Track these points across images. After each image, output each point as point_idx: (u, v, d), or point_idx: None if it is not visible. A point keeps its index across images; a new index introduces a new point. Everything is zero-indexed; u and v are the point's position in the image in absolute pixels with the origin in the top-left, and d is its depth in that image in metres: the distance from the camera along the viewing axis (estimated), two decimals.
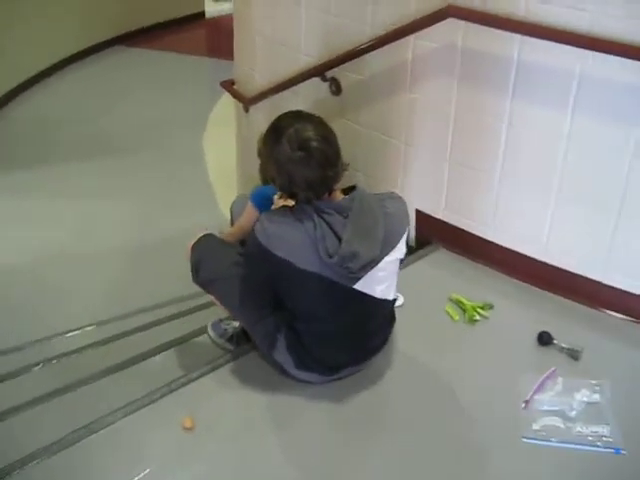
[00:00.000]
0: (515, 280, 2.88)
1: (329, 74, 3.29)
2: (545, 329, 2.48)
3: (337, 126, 2.17)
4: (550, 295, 2.78)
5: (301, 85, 3.49)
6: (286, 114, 2.11)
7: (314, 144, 1.95)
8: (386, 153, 3.22)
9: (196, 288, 2.50)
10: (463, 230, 3.02)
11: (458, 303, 2.71)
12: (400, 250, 2.11)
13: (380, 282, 2.09)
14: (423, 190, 3.14)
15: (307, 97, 3.56)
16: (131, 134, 6.29)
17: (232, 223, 3.79)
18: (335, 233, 1.97)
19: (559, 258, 2.74)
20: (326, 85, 3.35)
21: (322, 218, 1.97)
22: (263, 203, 3.24)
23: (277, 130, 2.03)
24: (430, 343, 2.53)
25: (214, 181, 5.40)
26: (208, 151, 5.93)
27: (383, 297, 2.13)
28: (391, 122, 3.15)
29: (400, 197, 2.22)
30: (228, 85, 4.28)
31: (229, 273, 2.30)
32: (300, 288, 2.05)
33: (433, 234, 3.19)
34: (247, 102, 4.05)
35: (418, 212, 3.17)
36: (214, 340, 2.73)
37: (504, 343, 2.54)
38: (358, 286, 2.03)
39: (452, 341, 2.56)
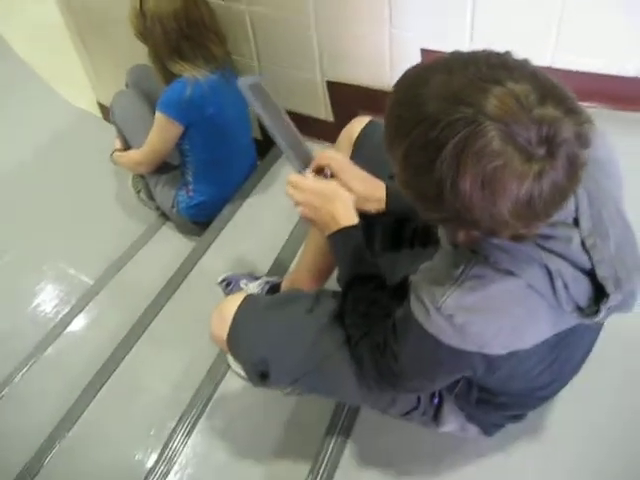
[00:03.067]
0: None
1: None
2: None
3: None
4: None
5: None
6: (455, 56, 0.86)
7: (565, 134, 0.79)
8: None
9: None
10: None
11: None
12: None
13: None
14: (432, 14, 2.03)
15: None
16: None
17: (121, 135, 2.63)
18: (575, 265, 0.97)
19: None
20: None
21: (549, 250, 0.95)
22: (181, 112, 2.14)
23: (453, 100, 0.80)
24: None
25: (26, 54, 3.73)
26: None
27: None
28: None
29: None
30: None
31: (320, 356, 1.35)
32: (517, 368, 1.14)
33: None
34: None
35: (426, 53, 2.12)
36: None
37: None
38: None
39: None
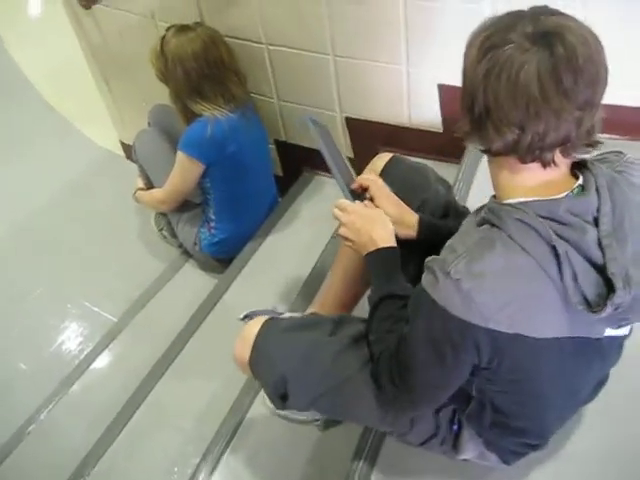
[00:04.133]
0: None
1: None
2: None
3: None
4: None
5: None
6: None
7: (571, 39, 0.94)
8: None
9: None
10: None
11: None
12: None
13: None
14: (448, 52, 2.06)
15: None
16: None
17: (144, 174, 2.67)
18: (587, 259, 1.00)
19: None
20: None
21: (562, 237, 0.99)
22: (202, 151, 2.19)
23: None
24: None
25: (51, 95, 3.83)
26: (16, 43, 4.07)
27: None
28: None
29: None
30: None
31: (339, 376, 1.36)
32: (528, 368, 1.13)
33: None
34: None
35: (443, 88, 2.14)
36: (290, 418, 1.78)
37: None
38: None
39: None
